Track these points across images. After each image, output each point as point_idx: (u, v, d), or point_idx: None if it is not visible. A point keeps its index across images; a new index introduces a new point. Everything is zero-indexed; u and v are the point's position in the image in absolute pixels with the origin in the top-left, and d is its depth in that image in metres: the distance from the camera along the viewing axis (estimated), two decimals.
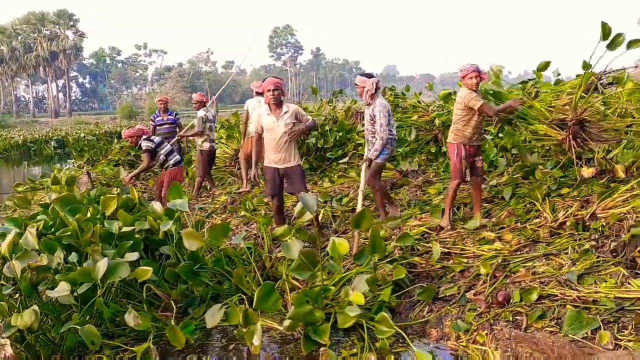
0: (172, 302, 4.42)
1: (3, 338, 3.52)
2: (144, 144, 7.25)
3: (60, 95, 75.18)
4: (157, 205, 5.01)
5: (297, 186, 5.76)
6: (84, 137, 20.61)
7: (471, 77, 5.27)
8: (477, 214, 5.53)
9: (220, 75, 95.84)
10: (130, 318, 3.69)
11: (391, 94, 9.83)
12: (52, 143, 23.73)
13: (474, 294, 4.14)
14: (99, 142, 15.26)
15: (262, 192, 7.40)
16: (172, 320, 3.92)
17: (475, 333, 3.74)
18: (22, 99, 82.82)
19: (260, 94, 7.73)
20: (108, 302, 4.06)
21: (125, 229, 4.61)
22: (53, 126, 38.02)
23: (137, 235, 4.68)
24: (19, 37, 63.61)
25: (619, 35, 4.81)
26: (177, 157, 7.51)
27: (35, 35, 64.03)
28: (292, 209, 6.96)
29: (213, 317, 3.93)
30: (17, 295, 3.85)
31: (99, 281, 3.74)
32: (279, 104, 5.62)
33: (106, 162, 11.00)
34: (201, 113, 8.58)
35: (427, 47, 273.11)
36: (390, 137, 5.70)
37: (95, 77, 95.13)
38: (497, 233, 5.12)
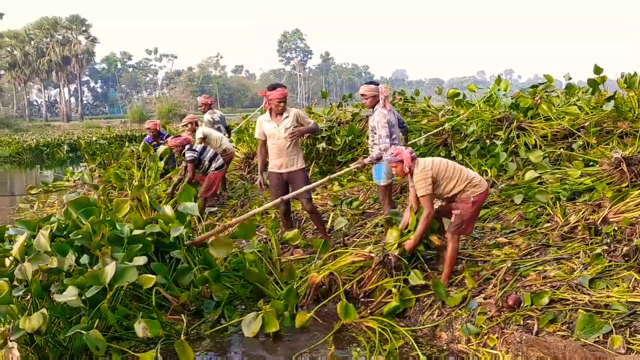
0: (181, 306, 4.46)
1: (11, 341, 3.56)
2: (188, 155, 7.27)
3: (72, 99, 75.81)
4: (168, 209, 5.03)
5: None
6: (96, 140, 20.73)
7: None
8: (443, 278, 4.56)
9: (229, 80, 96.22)
10: (140, 329, 3.71)
11: (400, 98, 9.82)
12: (65, 147, 23.90)
13: (484, 298, 4.12)
14: (110, 145, 15.38)
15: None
16: (182, 332, 3.92)
17: (485, 337, 3.73)
18: (35, 103, 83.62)
19: None
20: (116, 305, 4.07)
21: (136, 231, 4.64)
22: (65, 130, 38.26)
23: (148, 238, 4.70)
24: (32, 42, 64.30)
25: None
26: (220, 161, 7.55)
27: (48, 40, 64.71)
28: (302, 212, 6.98)
29: (249, 326, 3.97)
30: (28, 297, 3.87)
31: (107, 285, 3.76)
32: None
33: (117, 165, 11.06)
34: (207, 117, 8.63)
35: (436, 52, 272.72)
36: None
37: (106, 81, 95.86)
38: (508, 237, 5.10)
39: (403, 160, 4.40)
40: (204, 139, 7.82)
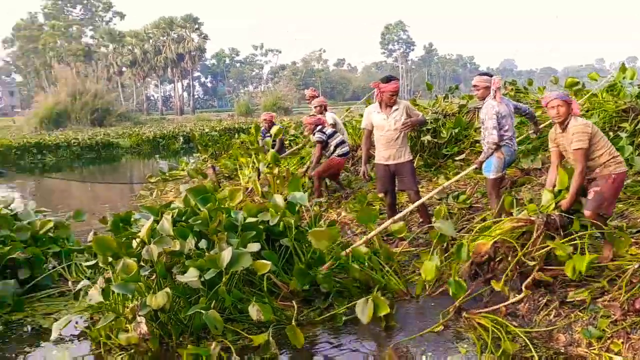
0: (290, 293, 4.58)
1: (139, 316, 3.86)
2: (317, 136, 7.59)
3: (185, 94, 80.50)
4: (279, 199, 5.18)
5: (407, 183, 5.76)
6: (208, 132, 21.89)
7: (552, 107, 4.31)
8: None
9: (331, 73, 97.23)
10: (254, 311, 3.87)
11: (512, 89, 9.38)
12: (180, 138, 25.48)
13: (608, 300, 3.85)
14: (221, 137, 16.16)
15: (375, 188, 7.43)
16: (294, 318, 4.02)
17: (609, 341, 3.49)
18: (152, 97, 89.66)
19: None
20: (231, 288, 4.27)
21: (249, 219, 4.83)
22: (178, 123, 40.76)
23: (259, 226, 4.87)
24: (151, 41, 69.10)
25: None
26: (346, 149, 7.73)
27: (165, 38, 69.23)
28: (407, 204, 6.91)
29: (363, 312, 4.00)
30: (154, 276, 4.17)
31: (223, 269, 3.95)
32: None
33: (228, 156, 11.61)
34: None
35: (547, 40, 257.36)
36: (504, 144, 5.29)
37: (215, 76, 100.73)
38: (635, 237, 4.72)
39: (572, 103, 4.26)
40: (334, 125, 8.03)
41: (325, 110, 8.50)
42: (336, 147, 7.59)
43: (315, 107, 8.54)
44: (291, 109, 54.05)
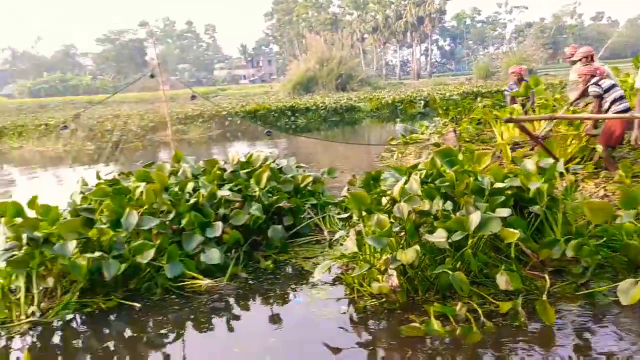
0: (540, 263, 4.36)
1: (391, 269, 4.09)
2: (591, 90, 6.81)
3: (422, 58, 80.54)
4: (529, 164, 4.91)
5: None
6: (449, 96, 21.70)
7: None
8: None
9: (586, 29, 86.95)
10: (502, 280, 3.77)
11: None
12: (422, 102, 25.72)
13: None
14: (463, 101, 15.82)
15: None
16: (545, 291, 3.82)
17: None
18: (390, 63, 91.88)
19: None
20: (477, 252, 4.23)
21: (497, 184, 4.68)
22: (415, 87, 41.10)
23: (507, 192, 4.70)
24: (392, 6, 70.52)
25: None
26: (624, 104, 6.71)
27: (405, 2, 69.89)
28: None
29: (628, 292, 3.58)
30: (403, 233, 4.34)
31: (470, 232, 3.92)
32: None
33: (469, 120, 11.36)
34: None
35: None
36: None
37: (454, 39, 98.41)
38: None
39: None
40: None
41: (592, 61, 7.38)
42: (612, 103, 6.58)
43: (579, 59, 7.51)
44: (536, 70, 49.97)
